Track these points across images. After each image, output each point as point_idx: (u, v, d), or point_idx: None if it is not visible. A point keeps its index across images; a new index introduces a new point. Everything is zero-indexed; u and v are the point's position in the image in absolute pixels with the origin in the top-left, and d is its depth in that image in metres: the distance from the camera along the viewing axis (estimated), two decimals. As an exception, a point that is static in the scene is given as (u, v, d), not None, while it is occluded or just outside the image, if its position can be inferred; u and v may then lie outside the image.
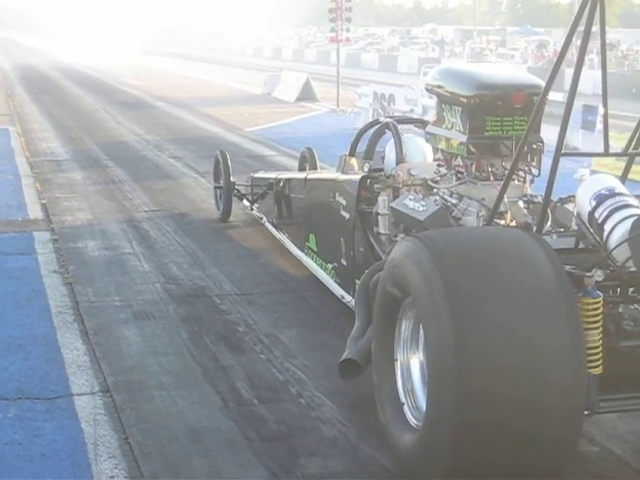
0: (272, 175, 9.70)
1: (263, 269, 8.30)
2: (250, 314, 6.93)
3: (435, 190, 5.97)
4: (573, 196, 5.13)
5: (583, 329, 3.93)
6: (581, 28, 4.50)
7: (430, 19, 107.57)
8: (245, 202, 10.25)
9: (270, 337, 6.42)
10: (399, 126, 6.82)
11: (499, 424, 3.75)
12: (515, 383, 3.73)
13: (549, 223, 5.34)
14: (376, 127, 7.18)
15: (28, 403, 5.24)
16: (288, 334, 6.49)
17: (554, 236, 5.24)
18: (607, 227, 4.49)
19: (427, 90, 6.32)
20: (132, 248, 8.95)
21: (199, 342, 6.31)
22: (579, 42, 4.58)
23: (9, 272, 7.98)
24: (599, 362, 4.01)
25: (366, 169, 6.78)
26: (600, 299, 4.06)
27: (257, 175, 10.37)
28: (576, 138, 15.62)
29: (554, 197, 5.16)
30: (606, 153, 4.94)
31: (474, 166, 5.67)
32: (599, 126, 14.76)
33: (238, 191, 10.21)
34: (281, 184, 8.98)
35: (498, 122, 5.51)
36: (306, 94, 27.85)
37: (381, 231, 6.24)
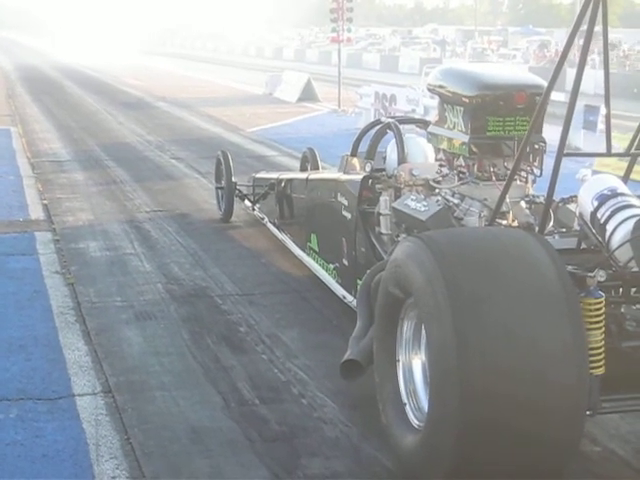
0: (273, 175, 9.70)
1: (265, 269, 8.30)
2: (252, 314, 6.93)
3: (437, 190, 5.97)
4: (575, 196, 5.13)
5: (585, 329, 3.92)
6: (583, 28, 4.50)
7: (431, 19, 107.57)
8: (247, 202, 10.25)
9: (272, 337, 6.42)
10: (401, 126, 6.81)
11: (501, 424, 3.75)
12: (517, 383, 3.73)
13: (551, 223, 5.34)
14: (378, 127, 7.18)
15: (30, 404, 5.24)
16: (290, 334, 6.49)
17: (556, 236, 5.23)
18: (609, 227, 4.49)
19: (429, 90, 6.31)
20: (134, 248, 8.95)
21: (200, 342, 6.31)
22: (581, 42, 4.58)
23: (11, 273, 7.98)
24: (601, 362, 4.01)
25: (368, 169, 6.77)
26: (602, 299, 4.06)
27: (259, 175, 10.37)
28: (578, 138, 15.61)
29: (556, 197, 5.16)
30: (608, 153, 4.95)
31: (476, 166, 5.67)
32: (601, 126, 14.78)
33: (240, 191, 10.21)
34: (282, 184, 8.97)
35: (500, 122, 5.51)
36: (307, 94, 27.85)
37: (383, 231, 6.24)
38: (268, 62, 59.30)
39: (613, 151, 5.06)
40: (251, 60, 64.00)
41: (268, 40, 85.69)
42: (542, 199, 5.33)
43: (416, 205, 5.61)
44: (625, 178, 5.28)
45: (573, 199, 5.32)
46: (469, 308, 3.80)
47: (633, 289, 4.36)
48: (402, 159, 6.49)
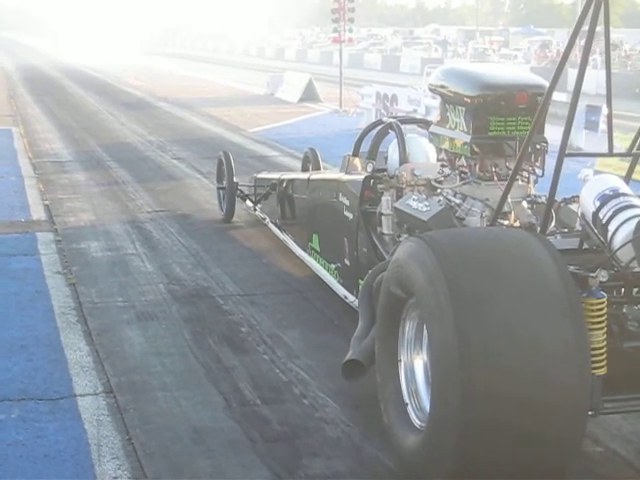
0: (275, 175, 9.70)
1: (266, 269, 8.30)
2: (253, 314, 6.93)
3: (439, 190, 5.97)
4: (577, 196, 5.13)
5: (587, 330, 3.92)
6: (584, 28, 4.49)
7: (433, 19, 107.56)
8: (248, 203, 10.25)
9: (273, 337, 6.42)
10: (402, 126, 6.81)
11: (503, 424, 3.74)
12: (519, 383, 3.73)
13: (553, 223, 5.34)
14: (379, 127, 7.17)
15: (31, 404, 5.24)
16: (291, 334, 6.49)
17: (558, 236, 5.23)
18: (611, 227, 4.48)
19: (430, 90, 6.31)
20: (135, 249, 8.96)
21: (202, 343, 6.31)
22: (582, 42, 4.57)
23: (12, 273, 7.98)
24: (603, 363, 4.01)
25: (369, 169, 6.77)
26: (604, 300, 4.05)
27: (260, 176, 10.37)
28: (579, 138, 15.61)
29: (558, 197, 5.16)
30: (610, 153, 4.95)
31: (478, 166, 5.67)
32: (602, 126, 14.78)
33: (241, 192, 10.21)
34: (284, 184, 8.97)
35: (502, 122, 5.50)
36: (309, 95, 27.85)
37: (384, 231, 6.24)
38: (269, 62, 59.30)
39: (615, 151, 5.06)
40: (252, 60, 64.00)
41: (269, 40, 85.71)
42: (544, 199, 5.33)
43: (418, 205, 5.60)
44: (627, 178, 5.28)
45: (575, 199, 5.32)
46: (471, 308, 3.79)
47: (635, 289, 4.36)
48: (404, 159, 6.49)
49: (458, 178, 5.85)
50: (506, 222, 5.45)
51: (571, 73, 22.64)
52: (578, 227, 5.20)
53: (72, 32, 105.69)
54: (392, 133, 6.87)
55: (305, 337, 6.46)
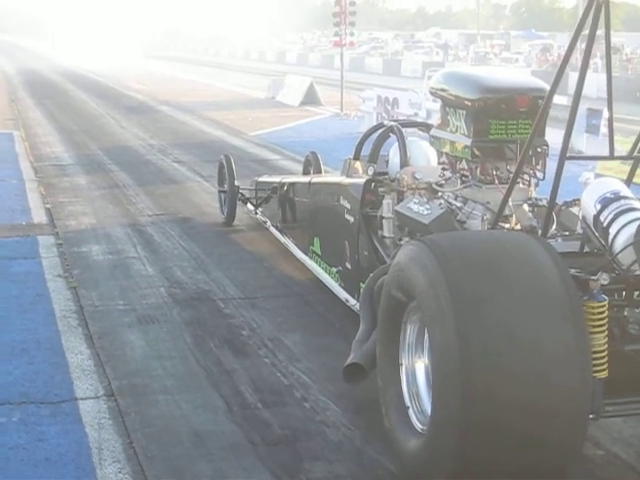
0: (276, 179, 9.70)
1: (267, 273, 8.30)
2: (254, 318, 6.93)
3: (440, 193, 5.97)
4: (578, 199, 5.13)
5: (588, 333, 3.92)
6: (585, 32, 4.50)
7: (434, 23, 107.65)
8: (249, 206, 10.26)
9: (274, 341, 6.41)
10: (403, 130, 6.82)
11: (504, 427, 3.74)
12: (520, 386, 3.73)
13: (554, 226, 5.34)
14: (380, 131, 7.18)
15: (32, 407, 5.23)
16: (292, 338, 6.48)
17: (559, 239, 5.23)
18: (612, 230, 4.48)
19: (431, 94, 6.31)
20: (136, 252, 8.96)
21: (203, 346, 6.31)
22: (583, 46, 4.57)
23: (13, 276, 7.98)
24: (604, 366, 4.01)
25: (370, 173, 6.77)
26: (605, 303, 4.05)
27: (261, 179, 10.37)
28: (580, 142, 15.60)
29: (559, 200, 5.16)
30: (611, 156, 4.94)
31: (479, 169, 5.67)
32: (603, 130, 14.77)
33: (242, 195, 10.21)
34: (285, 188, 8.98)
35: (502, 125, 5.51)
36: (310, 98, 27.87)
37: (385, 235, 6.24)
38: (270, 66, 59.35)
39: (616, 154, 5.06)
40: (253, 64, 64.06)
41: (270, 44, 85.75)
42: (545, 202, 5.33)
43: (419, 208, 5.61)
44: (628, 181, 5.28)
45: (576, 202, 5.32)
46: (472, 311, 3.79)
47: (636, 292, 4.35)
48: (405, 162, 6.50)
49: (459, 181, 5.85)
50: (507, 225, 5.45)
51: (572, 76, 22.65)
52: (579, 230, 5.20)
53: (73, 35, 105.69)
54: (393, 136, 6.88)
55: (306, 340, 6.45)
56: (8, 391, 5.45)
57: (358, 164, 7.39)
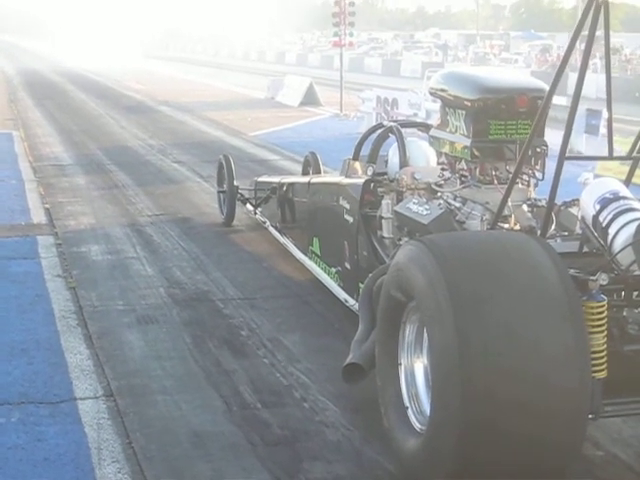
0: (275, 179, 9.70)
1: (266, 273, 8.30)
2: (253, 318, 6.93)
3: (439, 194, 5.97)
4: (577, 200, 5.13)
5: (587, 333, 3.92)
6: (585, 32, 4.50)
7: (433, 24, 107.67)
8: (248, 206, 10.25)
9: (273, 341, 6.41)
10: (403, 130, 6.82)
11: (503, 427, 3.74)
12: (519, 386, 3.73)
13: (553, 227, 5.34)
14: (379, 131, 7.18)
15: (31, 407, 5.23)
16: (291, 338, 6.48)
17: (558, 240, 5.23)
18: (611, 231, 4.49)
19: (431, 94, 6.32)
20: (136, 252, 8.96)
21: (202, 346, 6.31)
22: (583, 46, 4.58)
23: (13, 276, 7.98)
24: (603, 366, 4.01)
25: (370, 173, 6.77)
26: (604, 303, 4.06)
27: (261, 179, 10.37)
28: (580, 142, 15.61)
29: (558, 201, 5.16)
30: (610, 157, 4.94)
31: (478, 170, 5.67)
32: (603, 130, 14.77)
33: (241, 195, 10.21)
34: (284, 188, 8.98)
35: (502, 126, 5.51)
36: (309, 98, 27.87)
37: (385, 235, 6.24)
38: (270, 66, 59.35)
39: (615, 155, 5.06)
40: (253, 64, 64.07)
41: (270, 44, 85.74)
42: (544, 202, 5.33)
43: (418, 209, 5.61)
44: (627, 182, 5.28)
45: (575, 202, 5.32)
46: (471, 311, 3.79)
47: (635, 292, 4.36)
48: (404, 163, 6.50)
49: (458, 182, 5.85)
50: (506, 225, 5.45)
51: (571, 77, 22.67)
52: (578, 230, 5.20)
53: (73, 35, 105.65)
54: (392, 137, 6.88)
55: (305, 341, 6.45)
56: (7, 391, 5.45)
57: (357, 164, 7.39)
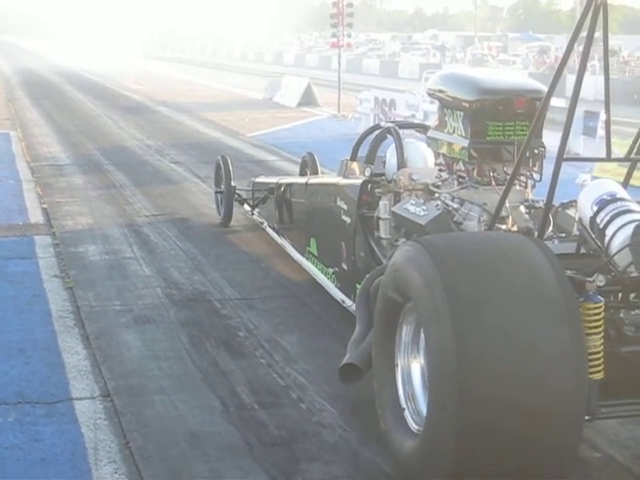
0: (273, 180, 9.70)
1: (264, 274, 8.30)
2: (251, 319, 6.93)
3: (436, 195, 5.97)
4: (575, 201, 5.14)
5: (584, 334, 3.92)
6: (583, 34, 4.50)
7: (431, 25, 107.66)
8: (246, 207, 10.26)
9: (271, 342, 6.41)
10: (400, 131, 6.82)
11: (500, 429, 3.74)
12: (516, 388, 3.73)
13: (550, 228, 5.34)
14: (377, 132, 7.19)
15: (28, 407, 5.23)
16: (289, 339, 6.48)
17: (555, 241, 5.24)
18: (609, 232, 4.49)
19: (429, 95, 6.32)
20: (133, 252, 8.95)
21: (199, 347, 6.31)
22: (581, 48, 4.58)
23: (10, 276, 7.98)
24: (600, 367, 4.01)
25: (367, 174, 6.77)
26: (601, 304, 4.06)
27: (258, 180, 10.37)
28: (577, 144, 15.61)
29: (556, 202, 5.17)
30: (608, 158, 4.94)
31: (476, 171, 5.68)
32: (600, 132, 14.79)
33: (239, 196, 10.22)
34: (282, 189, 8.98)
35: (500, 127, 5.52)
36: (307, 99, 27.87)
37: (382, 235, 6.24)
38: (268, 67, 59.33)
39: (613, 156, 5.07)
40: (251, 65, 64.06)
41: (268, 45, 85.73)
42: (541, 204, 5.34)
43: (415, 209, 5.61)
44: (625, 183, 5.29)
45: (572, 204, 5.33)
46: (468, 312, 3.79)
47: (632, 294, 4.36)
48: (402, 164, 6.50)
49: (456, 182, 5.86)
50: (504, 227, 5.46)
51: (569, 79, 22.66)
52: (575, 232, 5.21)
53: (71, 35, 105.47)
54: (390, 138, 6.88)
55: (303, 341, 6.45)
56: (4, 391, 5.45)
57: (355, 165, 7.40)
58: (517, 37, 76.70)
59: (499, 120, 5.51)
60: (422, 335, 4.27)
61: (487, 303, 3.82)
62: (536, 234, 5.03)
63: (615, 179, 5.28)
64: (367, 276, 5.70)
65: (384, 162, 6.75)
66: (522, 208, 5.66)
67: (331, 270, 7.15)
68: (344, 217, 6.78)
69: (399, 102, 20.79)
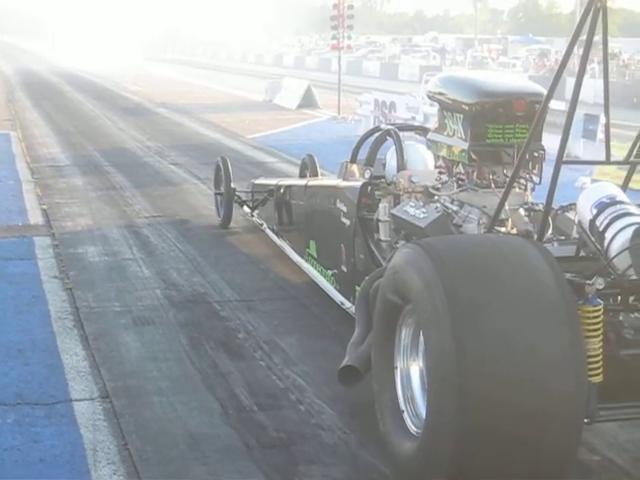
0: (273, 182, 9.71)
1: (263, 275, 8.30)
2: (250, 320, 6.93)
3: (436, 197, 5.97)
4: (574, 204, 5.14)
5: (583, 337, 3.92)
6: (583, 37, 4.51)
7: (432, 27, 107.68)
8: (245, 208, 10.26)
9: (270, 344, 6.41)
10: (400, 133, 6.82)
11: (499, 431, 3.74)
12: (515, 390, 3.73)
13: (550, 231, 5.34)
14: (377, 134, 7.18)
15: (27, 408, 5.23)
16: (288, 341, 6.48)
17: (555, 244, 5.24)
18: (608, 235, 4.49)
19: (429, 97, 6.32)
20: (132, 254, 8.95)
21: (199, 348, 6.31)
22: (581, 51, 4.58)
23: (9, 277, 7.97)
24: (599, 370, 4.01)
25: (367, 176, 6.78)
26: (601, 307, 4.05)
27: (258, 182, 10.38)
28: (577, 147, 15.63)
29: (555, 205, 5.16)
30: (607, 161, 4.95)
31: (475, 173, 5.67)
32: (600, 135, 14.79)
33: (239, 197, 10.22)
34: (282, 191, 8.98)
35: (499, 130, 5.51)
36: (307, 101, 27.88)
37: (382, 238, 6.24)
38: (268, 69, 59.38)
39: (612, 160, 5.07)
40: (251, 67, 64.08)
41: (268, 47, 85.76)
42: (541, 207, 5.34)
43: (415, 212, 5.61)
44: (624, 186, 5.29)
45: (572, 207, 5.33)
46: (467, 314, 3.79)
47: (632, 297, 4.36)
48: (401, 166, 6.50)
49: (455, 185, 5.85)
50: (503, 229, 5.46)
51: (569, 81, 22.65)
52: (575, 235, 5.21)
53: (72, 36, 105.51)
54: (390, 140, 6.88)
55: (302, 343, 6.45)
56: (3, 392, 5.45)
57: (355, 167, 7.39)
58: (517, 40, 76.71)
59: (499, 123, 5.51)
60: (421, 337, 4.27)
61: (486, 306, 3.82)
62: (535, 237, 5.03)
63: (614, 182, 5.28)
64: (366, 278, 5.70)
65: (384, 164, 6.75)
66: (521, 211, 5.66)
67: (330, 272, 7.15)
68: (344, 219, 6.78)
69: (399, 104, 20.79)
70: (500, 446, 3.78)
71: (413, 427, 4.40)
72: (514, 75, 28.55)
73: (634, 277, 4.33)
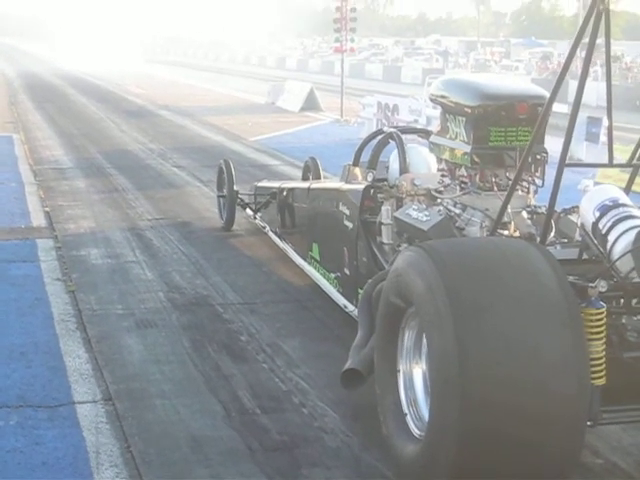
0: (275, 184, 9.71)
1: (266, 278, 8.30)
2: (253, 323, 6.93)
3: (439, 200, 5.98)
4: (577, 207, 5.14)
5: (586, 340, 3.92)
6: (585, 40, 4.51)
7: (434, 30, 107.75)
8: (248, 211, 10.26)
9: (273, 346, 6.41)
10: (403, 136, 6.82)
11: (502, 434, 3.74)
12: (518, 393, 3.73)
13: (553, 234, 5.34)
14: (380, 137, 7.18)
15: (30, 411, 5.23)
16: (291, 343, 6.48)
17: (558, 247, 5.23)
18: (611, 238, 4.49)
19: (431, 100, 6.32)
20: (135, 256, 8.96)
21: (201, 351, 6.31)
22: (583, 54, 4.59)
23: (12, 279, 7.98)
24: (602, 373, 4.01)
25: (370, 179, 6.77)
26: (603, 310, 4.06)
27: (260, 184, 10.38)
28: (580, 150, 15.62)
29: (558, 208, 5.16)
30: (610, 164, 4.95)
31: (478, 176, 5.68)
32: (603, 138, 14.78)
33: (241, 200, 10.22)
34: (284, 193, 8.98)
35: (502, 132, 5.51)
36: (310, 104, 27.90)
37: (384, 241, 6.24)
38: (271, 71, 59.40)
39: (615, 162, 5.07)
40: (254, 69, 64.11)
41: (271, 49, 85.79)
42: (544, 209, 5.34)
43: (418, 215, 5.61)
44: (627, 189, 5.29)
45: (575, 210, 5.32)
46: (470, 317, 3.79)
47: (634, 300, 4.36)
48: (404, 169, 6.50)
49: (458, 188, 5.86)
50: (506, 232, 5.45)
51: (572, 84, 22.68)
52: (578, 237, 5.21)
53: (73, 38, 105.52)
54: (393, 143, 6.88)
55: (305, 346, 6.45)
56: (6, 394, 5.45)
57: (357, 170, 7.39)
58: (520, 43, 76.72)
59: (501, 126, 5.51)
60: (424, 340, 4.27)
61: (489, 308, 3.82)
62: (538, 240, 5.03)
63: (617, 185, 5.28)
64: (369, 281, 5.70)
65: (387, 167, 6.75)
66: (524, 214, 5.66)
67: (333, 275, 7.15)
68: (346, 222, 6.78)
69: (402, 107, 20.80)
70: (503, 449, 3.78)
71: (416, 430, 4.39)
72: (517, 78, 28.57)
73: (637, 280, 4.33)
